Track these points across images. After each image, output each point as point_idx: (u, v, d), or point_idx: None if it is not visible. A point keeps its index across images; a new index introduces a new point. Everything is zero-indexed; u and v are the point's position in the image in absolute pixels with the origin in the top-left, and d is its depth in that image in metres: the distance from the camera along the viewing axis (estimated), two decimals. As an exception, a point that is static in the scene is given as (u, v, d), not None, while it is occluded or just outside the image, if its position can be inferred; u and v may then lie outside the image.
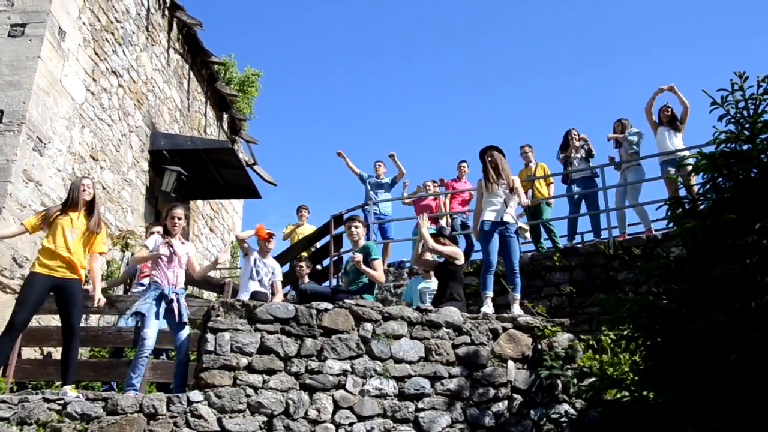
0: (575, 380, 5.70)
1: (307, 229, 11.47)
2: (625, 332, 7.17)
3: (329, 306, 5.45)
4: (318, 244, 11.30)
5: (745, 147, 5.15)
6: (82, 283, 5.59)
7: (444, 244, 6.89)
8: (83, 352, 7.87)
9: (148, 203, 10.39)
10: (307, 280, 8.74)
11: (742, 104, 5.37)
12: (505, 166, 6.78)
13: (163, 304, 5.65)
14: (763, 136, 5.12)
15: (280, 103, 42.33)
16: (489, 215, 6.48)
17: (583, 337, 7.05)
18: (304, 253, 10.60)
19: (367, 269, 6.36)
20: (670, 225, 6.59)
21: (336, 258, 10.59)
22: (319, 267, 10.77)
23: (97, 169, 8.80)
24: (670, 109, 9.29)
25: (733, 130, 5.29)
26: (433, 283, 7.18)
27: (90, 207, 5.71)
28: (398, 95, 48.23)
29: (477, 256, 10.29)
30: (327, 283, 9.90)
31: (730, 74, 5.57)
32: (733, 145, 5.21)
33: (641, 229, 9.66)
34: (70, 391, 5.08)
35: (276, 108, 41.15)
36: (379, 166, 11.30)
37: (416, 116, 48.01)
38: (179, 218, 5.88)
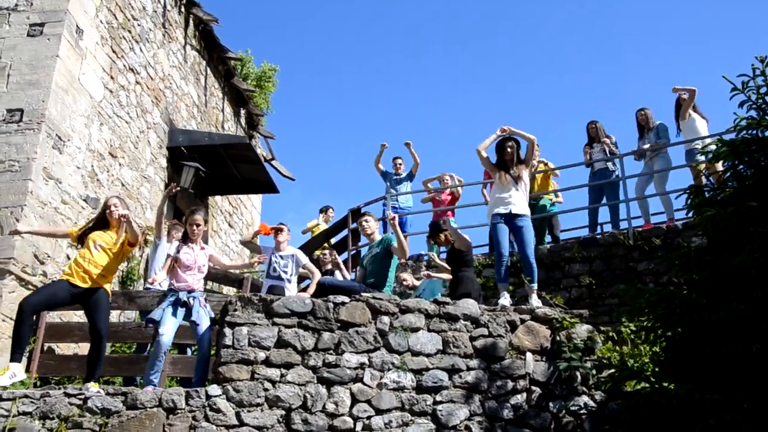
0: (594, 372, 5.65)
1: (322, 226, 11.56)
2: (645, 323, 7.13)
3: (346, 299, 5.45)
4: (334, 239, 11.35)
5: (767, 133, 5.05)
6: (108, 291, 5.67)
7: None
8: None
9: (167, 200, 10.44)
10: (329, 267, 8.75)
11: (764, 90, 5.27)
12: (520, 158, 6.74)
13: (180, 308, 5.70)
14: (785, 122, 5.02)
15: (298, 98, 42.43)
16: (498, 209, 6.45)
17: (603, 328, 6.99)
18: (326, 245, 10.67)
19: (400, 238, 6.40)
20: (690, 214, 6.51)
21: (354, 251, 10.59)
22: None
23: (116, 166, 8.88)
24: (685, 98, 9.18)
25: (754, 116, 5.19)
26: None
27: (118, 225, 5.82)
28: (414, 90, 48.10)
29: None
30: (352, 276, 9.91)
31: (740, 70, 5.47)
32: (754, 132, 5.11)
33: (663, 219, 9.57)
34: (92, 387, 5.14)
35: (293, 103, 41.26)
36: (399, 164, 11.25)
37: (428, 113, 47.86)
38: (198, 225, 5.95)
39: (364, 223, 6.87)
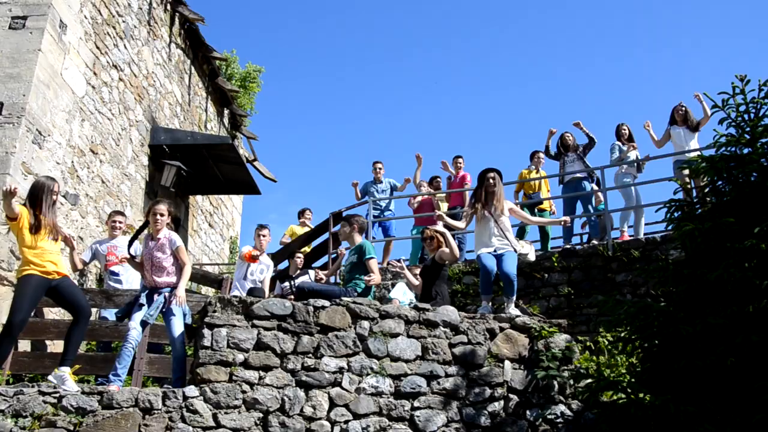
0: (572, 381, 5.70)
1: (301, 231, 11.48)
2: (623, 334, 7.20)
3: (326, 303, 5.45)
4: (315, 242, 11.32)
5: (745, 150, 5.14)
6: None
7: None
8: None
9: (147, 198, 10.36)
10: (299, 271, 8.73)
11: (743, 108, 5.36)
12: (501, 193, 6.78)
13: (155, 303, 5.62)
14: (764, 140, 5.12)
15: (282, 99, 42.27)
16: (484, 249, 6.53)
17: (580, 338, 7.05)
18: (306, 250, 10.62)
19: (368, 278, 6.35)
20: (669, 228, 6.59)
21: (335, 254, 10.56)
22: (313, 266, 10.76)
23: (96, 163, 8.78)
24: (683, 108, 9.29)
25: (733, 133, 5.28)
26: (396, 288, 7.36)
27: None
28: (398, 93, 48.19)
29: (470, 256, 10.29)
30: (333, 280, 9.90)
31: (735, 71, 5.56)
32: (733, 149, 5.20)
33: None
34: (69, 377, 5.04)
35: (277, 104, 41.13)
36: (379, 168, 11.14)
37: (415, 114, 47.96)
38: (161, 215, 5.75)
39: (344, 228, 6.85)
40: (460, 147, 44.69)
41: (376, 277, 6.43)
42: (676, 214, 5.32)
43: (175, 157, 10.68)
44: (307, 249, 11.12)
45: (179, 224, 11.77)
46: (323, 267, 10.53)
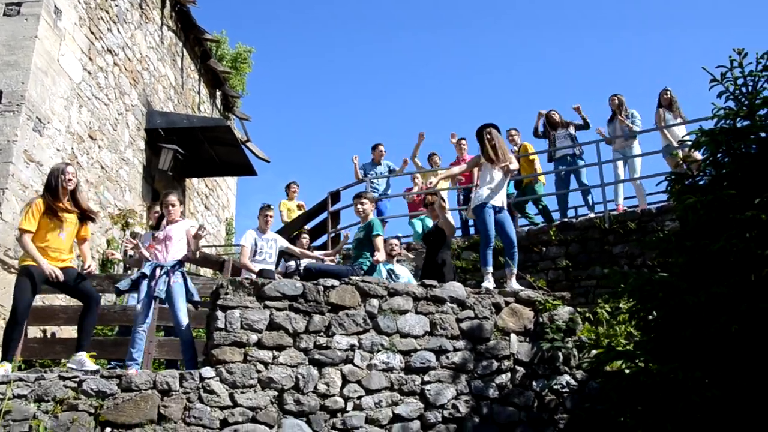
0: (575, 352, 5.85)
1: (293, 205, 11.49)
2: (622, 305, 7.37)
3: (336, 282, 5.54)
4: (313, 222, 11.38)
5: (744, 123, 5.24)
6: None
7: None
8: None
9: (144, 182, 10.40)
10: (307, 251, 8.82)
11: (740, 81, 5.44)
12: (504, 146, 6.85)
13: (160, 280, 5.69)
14: (762, 113, 5.21)
15: (271, 79, 42.03)
16: (486, 196, 6.53)
17: (579, 309, 7.20)
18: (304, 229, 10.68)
19: (375, 257, 6.43)
20: (667, 199, 6.72)
21: (333, 234, 10.66)
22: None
23: (95, 149, 8.80)
24: (669, 92, 9.43)
25: (732, 106, 5.37)
26: (398, 268, 7.44)
27: (73, 197, 5.55)
28: (387, 74, 48.01)
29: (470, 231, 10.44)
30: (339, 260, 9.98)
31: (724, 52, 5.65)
32: (731, 122, 5.30)
33: (634, 202, 9.86)
34: (87, 359, 5.14)
35: (267, 85, 40.91)
36: (381, 151, 11.16)
37: (410, 94, 47.86)
38: (173, 205, 6.00)
39: (359, 206, 6.82)
40: (450, 128, 44.67)
41: (381, 256, 6.52)
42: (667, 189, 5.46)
43: (171, 141, 10.69)
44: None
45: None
46: (322, 246, 10.62)
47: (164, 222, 6.04)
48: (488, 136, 6.79)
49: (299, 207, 11.45)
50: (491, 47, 45.11)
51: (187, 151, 11.09)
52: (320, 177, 45.01)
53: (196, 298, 5.73)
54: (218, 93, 14.56)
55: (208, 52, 13.47)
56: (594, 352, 5.91)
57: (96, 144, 8.83)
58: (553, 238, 9.32)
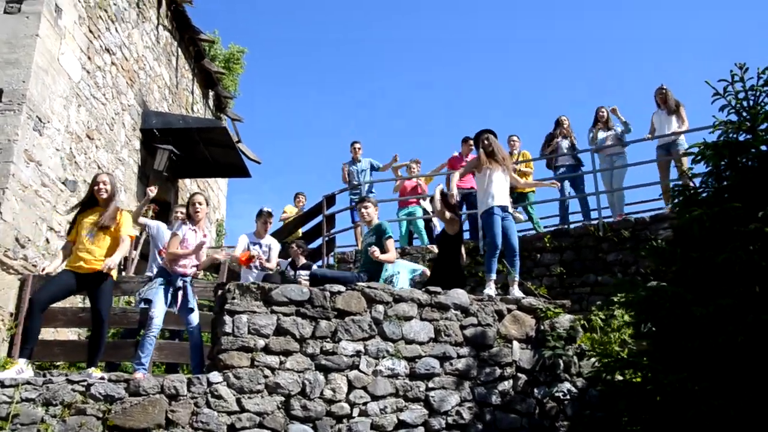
0: (576, 359, 5.93)
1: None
2: (617, 313, 7.46)
3: (342, 288, 5.57)
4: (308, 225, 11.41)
5: (746, 137, 5.34)
6: (113, 277, 5.65)
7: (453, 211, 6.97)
8: (84, 333, 7.91)
9: (139, 182, 10.35)
10: (302, 261, 8.83)
11: (742, 95, 5.55)
12: (502, 149, 6.94)
13: (171, 291, 5.72)
14: (763, 127, 5.32)
15: (260, 80, 41.86)
16: (495, 200, 6.61)
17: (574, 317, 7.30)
18: (299, 232, 10.72)
19: (380, 256, 6.43)
20: (672, 209, 6.81)
21: (328, 238, 10.68)
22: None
23: (92, 149, 8.74)
24: (664, 91, 9.49)
25: (734, 120, 5.48)
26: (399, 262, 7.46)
27: (106, 204, 5.74)
28: (383, 75, 48.06)
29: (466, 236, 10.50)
30: (318, 264, 10.01)
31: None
32: (733, 135, 5.40)
33: (628, 210, 10.02)
34: (95, 372, 5.15)
35: (255, 86, 40.77)
36: (358, 148, 11.32)
37: (396, 96, 47.93)
38: (200, 203, 5.96)
39: (363, 210, 6.85)
40: (445, 128, 44.78)
41: (392, 255, 6.52)
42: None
43: (167, 141, 10.64)
44: (299, 233, 11.23)
45: (170, 209, 11.77)
46: (317, 250, 10.64)
47: (187, 222, 5.99)
48: (486, 142, 6.89)
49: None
50: (486, 43, 45.34)
51: (181, 151, 11.05)
52: (309, 179, 44.98)
53: (191, 305, 5.75)
54: (211, 93, 14.51)
55: (202, 52, 13.42)
56: (593, 359, 6.02)
57: (93, 144, 8.77)
58: (548, 245, 9.42)
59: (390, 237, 6.55)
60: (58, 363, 7.03)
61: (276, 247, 8.03)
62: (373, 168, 11.33)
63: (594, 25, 42.33)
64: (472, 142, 10.81)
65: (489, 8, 43.16)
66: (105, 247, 5.57)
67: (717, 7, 39.24)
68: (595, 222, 9.36)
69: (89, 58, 8.70)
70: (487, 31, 43.94)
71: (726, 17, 38.57)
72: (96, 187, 5.72)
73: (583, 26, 42.25)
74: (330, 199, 10.91)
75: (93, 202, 5.78)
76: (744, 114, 5.49)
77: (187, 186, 13.04)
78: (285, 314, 5.34)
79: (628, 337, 7.16)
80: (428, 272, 7.54)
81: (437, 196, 6.91)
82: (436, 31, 44.42)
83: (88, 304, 6.12)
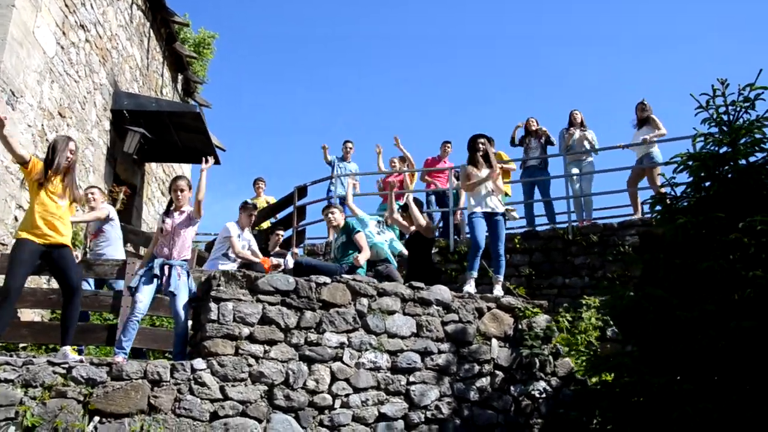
0: (551, 359, 6.06)
1: (262, 201, 11.44)
2: (584, 315, 7.66)
3: (328, 280, 5.57)
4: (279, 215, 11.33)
5: (726, 150, 5.54)
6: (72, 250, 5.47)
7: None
8: (47, 315, 7.70)
9: (108, 164, 10.11)
10: (277, 249, 8.81)
11: (722, 109, 5.76)
12: (494, 156, 7.04)
13: (155, 277, 5.60)
14: (743, 141, 5.52)
15: (226, 66, 41.24)
16: (478, 207, 6.73)
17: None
18: (268, 223, 10.63)
19: (361, 258, 6.48)
20: (655, 217, 7.02)
21: (300, 229, 10.64)
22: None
23: (64, 127, 8.50)
24: (642, 105, 9.75)
25: (715, 132, 5.67)
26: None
27: (66, 173, 5.37)
28: (351, 65, 47.89)
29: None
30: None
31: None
32: (715, 147, 5.59)
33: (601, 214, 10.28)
34: (71, 353, 5.00)
35: (226, 72, 40.19)
36: (350, 148, 11.27)
37: (367, 87, 47.85)
38: (182, 190, 5.80)
39: (330, 216, 6.95)
40: (420, 124, 44.93)
41: (363, 256, 6.57)
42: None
43: (137, 123, 10.42)
44: (267, 223, 11.15)
45: (135, 192, 11.54)
46: (287, 240, 10.57)
47: (172, 207, 5.85)
48: (483, 146, 6.98)
49: (268, 203, 11.41)
50: (471, 40, 45.61)
51: (151, 134, 10.83)
52: (276, 167, 44.59)
53: (194, 290, 5.63)
54: (180, 77, 14.25)
55: (173, 35, 13.17)
56: (567, 359, 6.17)
57: (65, 122, 8.54)
58: (518, 246, 9.57)
59: (359, 231, 6.64)
60: (23, 345, 6.81)
61: (254, 240, 7.99)
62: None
63: (583, 21, 43.07)
64: (449, 145, 10.98)
65: (477, 4, 43.46)
66: (65, 220, 5.32)
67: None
68: (565, 225, 9.55)
69: (64, 33, 8.45)
70: (475, 27, 44.25)
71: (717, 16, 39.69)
72: (66, 152, 5.33)
73: (571, 22, 42.91)
74: (302, 190, 10.86)
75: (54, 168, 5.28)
76: (724, 128, 5.70)
77: (153, 170, 12.79)
78: (270, 303, 5.31)
79: (595, 340, 7.38)
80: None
81: (412, 206, 7.08)
82: (423, 27, 44.54)
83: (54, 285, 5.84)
